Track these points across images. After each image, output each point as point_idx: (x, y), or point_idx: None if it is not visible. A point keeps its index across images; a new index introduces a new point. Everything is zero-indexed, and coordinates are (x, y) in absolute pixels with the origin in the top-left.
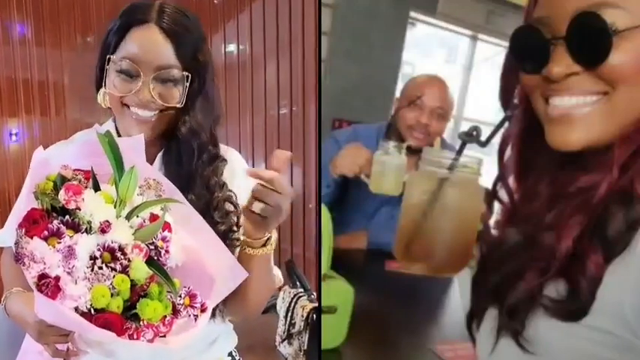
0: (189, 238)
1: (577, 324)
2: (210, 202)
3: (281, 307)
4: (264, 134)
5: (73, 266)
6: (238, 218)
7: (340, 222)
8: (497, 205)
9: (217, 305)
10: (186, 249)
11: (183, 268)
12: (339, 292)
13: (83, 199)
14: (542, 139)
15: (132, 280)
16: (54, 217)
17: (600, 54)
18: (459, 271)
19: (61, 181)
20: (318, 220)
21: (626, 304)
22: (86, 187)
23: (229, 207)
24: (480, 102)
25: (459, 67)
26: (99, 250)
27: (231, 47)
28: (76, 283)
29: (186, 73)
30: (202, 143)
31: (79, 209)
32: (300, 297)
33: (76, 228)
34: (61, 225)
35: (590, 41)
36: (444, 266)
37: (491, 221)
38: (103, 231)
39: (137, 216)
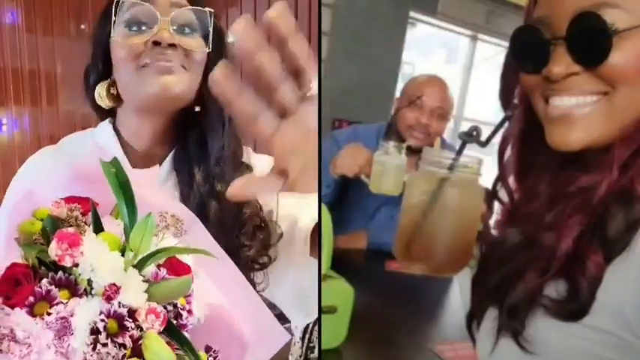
0: (212, 284)
1: (577, 324)
2: (238, 219)
3: (296, 327)
4: None
5: (69, 345)
6: (266, 239)
7: (340, 222)
8: (497, 205)
9: None
10: (209, 300)
11: (206, 325)
12: (339, 292)
13: (82, 253)
14: (542, 139)
15: None
16: (42, 274)
17: (600, 54)
18: (459, 271)
19: (52, 225)
20: (319, 220)
21: (626, 304)
22: (85, 226)
23: (257, 222)
24: (480, 102)
25: (459, 67)
26: (102, 320)
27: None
28: None
29: (209, 9)
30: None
31: (77, 265)
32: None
33: (72, 288)
34: (52, 286)
35: (590, 41)
36: (444, 266)
37: (491, 221)
38: (109, 298)
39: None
